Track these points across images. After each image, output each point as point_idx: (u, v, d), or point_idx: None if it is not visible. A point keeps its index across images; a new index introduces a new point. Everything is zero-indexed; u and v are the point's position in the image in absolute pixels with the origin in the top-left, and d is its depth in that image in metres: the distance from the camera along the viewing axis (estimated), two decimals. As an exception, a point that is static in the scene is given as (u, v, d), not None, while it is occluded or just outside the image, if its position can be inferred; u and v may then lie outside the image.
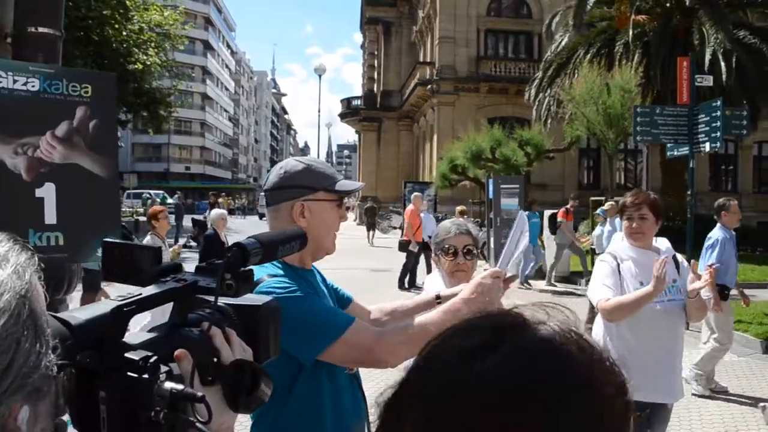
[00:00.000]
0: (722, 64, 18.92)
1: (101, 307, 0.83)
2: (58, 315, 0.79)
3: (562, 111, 18.66)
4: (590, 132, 15.90)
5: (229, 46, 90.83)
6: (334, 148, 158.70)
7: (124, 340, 0.84)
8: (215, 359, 0.89)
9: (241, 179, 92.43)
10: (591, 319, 3.65)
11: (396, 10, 45.11)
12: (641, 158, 29.96)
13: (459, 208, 13.87)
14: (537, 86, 23.24)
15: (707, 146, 9.65)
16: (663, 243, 3.55)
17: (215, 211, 9.66)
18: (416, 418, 0.64)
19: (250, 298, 0.99)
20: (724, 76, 18.89)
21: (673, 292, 3.39)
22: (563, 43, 23.69)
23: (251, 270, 0.96)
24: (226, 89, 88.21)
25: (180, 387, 0.79)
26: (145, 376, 0.78)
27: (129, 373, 0.78)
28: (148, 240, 7.63)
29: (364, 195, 41.88)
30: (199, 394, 0.79)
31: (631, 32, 20.36)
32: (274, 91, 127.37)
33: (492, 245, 15.72)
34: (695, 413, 6.17)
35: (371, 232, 26.71)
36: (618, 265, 3.42)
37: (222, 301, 0.95)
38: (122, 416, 0.79)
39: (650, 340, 3.31)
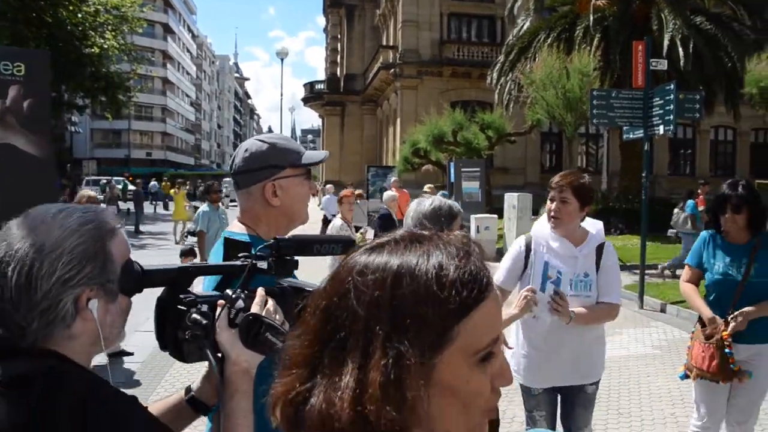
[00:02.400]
0: (680, 49, 19.17)
1: (175, 266, 1.32)
2: (139, 262, 1.26)
3: (523, 95, 18.73)
4: (550, 115, 16.00)
5: (190, 30, 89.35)
6: (298, 133, 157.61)
7: (189, 289, 1.30)
8: (240, 311, 1.26)
9: (205, 165, 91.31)
10: None
11: (360, -7, 44.83)
12: (602, 142, 30.42)
13: (427, 187, 13.85)
14: (499, 70, 23.29)
15: (661, 129, 9.77)
16: (595, 225, 3.35)
17: (387, 194, 10.84)
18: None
19: (308, 284, 1.37)
20: (681, 62, 19.15)
21: (581, 287, 3.22)
22: (525, 28, 23.75)
23: (289, 259, 1.37)
24: (188, 74, 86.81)
25: (199, 318, 1.24)
26: (183, 308, 1.26)
27: (178, 306, 1.26)
28: (336, 224, 7.90)
29: (328, 179, 41.75)
30: (204, 321, 1.23)
31: (591, 17, 20.51)
32: (236, 75, 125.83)
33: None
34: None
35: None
36: (529, 250, 3.28)
37: (288, 282, 1.38)
38: (172, 334, 1.27)
39: (549, 332, 3.21)
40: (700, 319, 3.78)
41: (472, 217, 14.23)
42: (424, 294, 0.75)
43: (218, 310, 1.25)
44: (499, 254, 14.55)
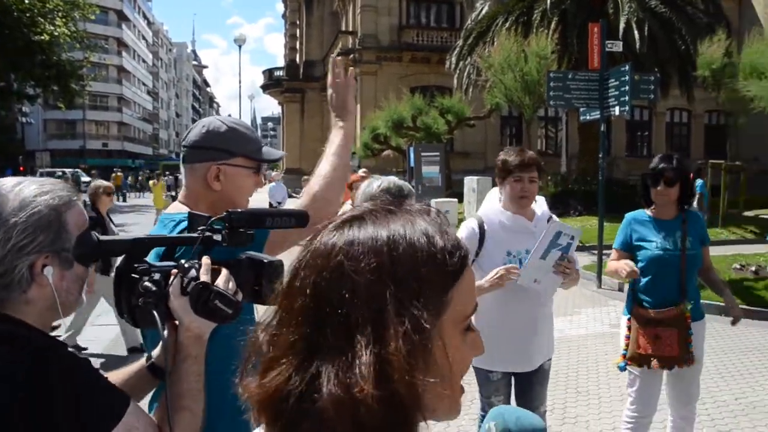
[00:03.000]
0: (635, 32, 19.36)
1: (130, 236, 1.33)
2: (95, 233, 1.29)
3: (481, 79, 18.74)
4: (508, 99, 16.03)
5: (145, 17, 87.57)
6: (259, 121, 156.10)
7: (146, 260, 1.34)
8: (192, 280, 1.28)
9: (163, 155, 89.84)
10: None
11: (318, -22, 44.32)
12: (561, 125, 30.68)
13: (362, 171, 13.76)
14: (458, 54, 23.26)
15: (617, 110, 9.83)
16: (541, 204, 3.35)
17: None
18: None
19: (264, 256, 1.41)
20: (637, 44, 19.35)
21: None
22: (483, 12, 23.77)
23: (242, 231, 1.37)
24: (144, 62, 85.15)
25: (150, 285, 1.26)
26: (137, 276, 1.28)
27: (132, 275, 1.29)
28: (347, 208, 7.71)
29: (289, 167, 41.39)
30: (154, 288, 1.26)
31: (548, 0, 20.58)
32: (194, 63, 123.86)
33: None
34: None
35: None
36: (482, 230, 3.21)
37: (247, 254, 1.40)
38: (127, 301, 1.29)
39: (507, 312, 3.18)
40: (634, 304, 3.66)
41: (432, 201, 14.22)
42: (424, 257, 0.75)
43: (171, 278, 1.29)
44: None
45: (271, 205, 15.92)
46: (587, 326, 8.06)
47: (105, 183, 7.41)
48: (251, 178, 1.89)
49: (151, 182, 26.02)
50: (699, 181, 12.98)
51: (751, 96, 12.26)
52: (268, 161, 1.92)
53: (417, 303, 0.72)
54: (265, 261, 1.39)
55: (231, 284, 1.32)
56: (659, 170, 3.61)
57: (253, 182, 1.91)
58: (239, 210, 1.40)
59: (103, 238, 1.30)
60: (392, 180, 2.89)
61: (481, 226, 3.21)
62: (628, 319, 3.66)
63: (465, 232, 3.23)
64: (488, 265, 3.13)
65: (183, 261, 1.32)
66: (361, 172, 13.79)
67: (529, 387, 3.37)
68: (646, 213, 3.74)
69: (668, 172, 3.59)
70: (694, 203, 12.81)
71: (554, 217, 3.40)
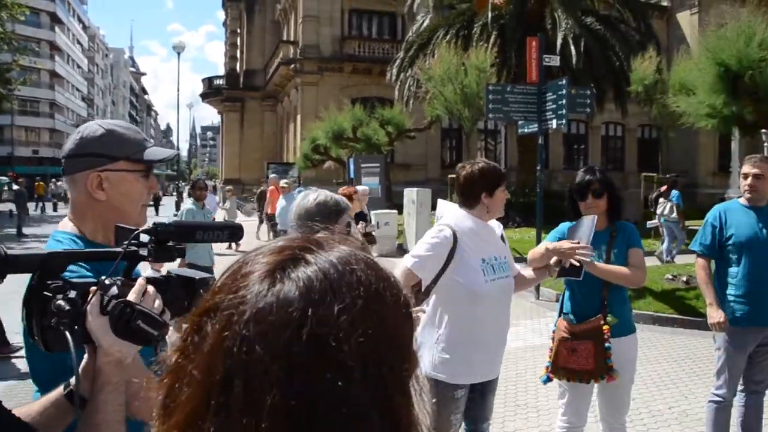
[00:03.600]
0: (572, 47, 19.84)
1: (44, 250, 1.24)
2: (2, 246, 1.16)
3: (422, 91, 18.84)
4: (448, 111, 16.14)
5: (80, 20, 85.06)
6: (198, 130, 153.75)
7: (63, 276, 1.21)
8: (113, 298, 1.16)
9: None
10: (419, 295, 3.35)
11: (259, -14, 43.95)
12: (500, 138, 31.17)
13: (283, 182, 13.74)
14: (398, 66, 23.37)
15: (554, 123, 9.98)
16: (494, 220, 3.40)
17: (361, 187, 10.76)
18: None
19: (195, 273, 1.33)
20: (573, 59, 19.83)
21: (506, 268, 3.25)
22: (425, 24, 23.97)
23: (170, 245, 1.28)
24: (79, 67, 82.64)
25: (63, 304, 1.14)
26: (49, 294, 1.16)
27: (45, 293, 1.17)
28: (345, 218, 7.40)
29: (228, 177, 40.77)
30: (68, 307, 1.14)
31: (488, 15, 20.91)
32: (132, 69, 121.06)
33: (353, 225, 15.65)
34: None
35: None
36: (455, 238, 3.16)
37: (176, 271, 1.32)
38: (38, 322, 1.17)
39: (488, 320, 3.15)
40: (559, 316, 3.66)
41: (372, 212, 14.15)
42: (401, 307, 0.68)
43: (90, 296, 1.18)
44: (400, 249, 14.55)
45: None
46: (525, 338, 8.09)
47: None
48: (140, 183, 1.72)
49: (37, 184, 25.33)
50: (674, 192, 13.37)
51: (680, 111, 12.63)
52: (153, 162, 1.73)
53: (407, 363, 0.66)
54: (197, 278, 1.31)
55: (157, 303, 1.22)
56: (586, 182, 3.60)
57: (144, 187, 1.74)
58: (167, 222, 1.29)
59: (11, 252, 1.18)
60: (328, 194, 2.80)
61: (454, 234, 3.16)
62: (554, 332, 3.66)
63: (438, 239, 3.16)
64: (465, 271, 3.10)
65: (104, 277, 1.21)
66: (282, 182, 13.69)
67: (484, 397, 3.33)
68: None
69: (594, 184, 3.59)
70: (673, 214, 13.11)
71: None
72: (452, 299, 3.15)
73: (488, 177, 3.19)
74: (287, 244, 0.68)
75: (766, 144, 25.28)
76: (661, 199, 13.51)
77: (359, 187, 11.04)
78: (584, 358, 3.46)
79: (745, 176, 3.97)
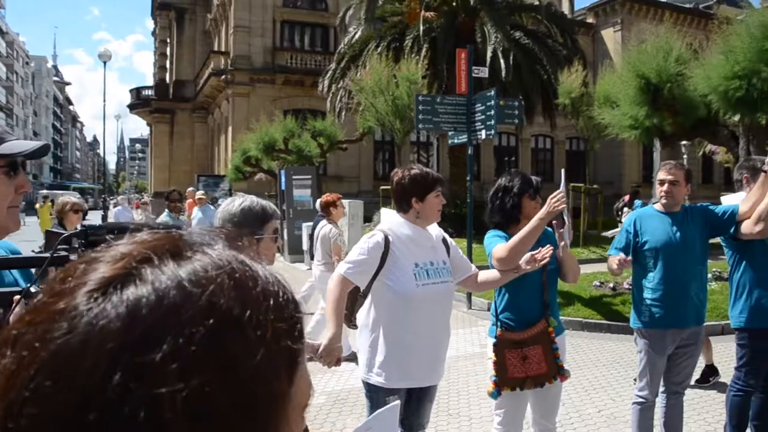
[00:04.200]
0: (501, 60, 20.22)
1: None
2: None
3: (353, 102, 18.85)
4: (380, 123, 16.18)
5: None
6: (127, 143, 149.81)
7: None
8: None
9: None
10: (353, 309, 3.31)
11: (190, -4, 43.27)
12: (433, 150, 31.45)
13: (199, 194, 13.44)
14: (330, 78, 23.32)
15: (483, 134, 10.10)
16: (433, 225, 3.36)
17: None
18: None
19: None
20: (503, 72, 20.21)
21: (444, 273, 3.23)
22: (357, 36, 24.01)
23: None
24: (-3, 75, 79.56)
25: None
26: None
27: None
28: (327, 230, 7.49)
29: (158, 190, 39.76)
30: None
31: (420, 27, 21.12)
32: (56, 79, 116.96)
33: (286, 237, 15.48)
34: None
35: None
36: (387, 243, 3.15)
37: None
38: None
39: (422, 325, 3.13)
40: (497, 327, 3.56)
41: (303, 224, 14.01)
42: (279, 339, 0.50)
43: (13, 305, 1.16)
44: (333, 261, 14.42)
45: None
46: (457, 347, 8.09)
47: (73, 199, 6.51)
48: (3, 182, 1.55)
49: (37, 205, 25.24)
50: (637, 202, 13.92)
51: (605, 123, 13.02)
52: (13, 156, 1.55)
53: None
54: None
55: None
56: (529, 182, 3.63)
57: (8, 186, 1.56)
58: (98, 225, 1.24)
59: None
60: (255, 199, 2.70)
61: (386, 239, 3.16)
62: (495, 345, 3.54)
63: (370, 244, 3.15)
64: (396, 276, 3.10)
65: (29, 285, 1.18)
66: (198, 194, 13.40)
67: (420, 404, 3.29)
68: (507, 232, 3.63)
69: (536, 184, 3.68)
70: None
71: (447, 236, 3.49)
72: (384, 303, 3.15)
73: (419, 182, 3.19)
74: (130, 250, 0.50)
75: (685, 155, 26.36)
76: (625, 209, 14.17)
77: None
78: (536, 363, 3.47)
79: (661, 182, 4.07)
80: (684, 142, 25.74)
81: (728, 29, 10.22)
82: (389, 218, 3.29)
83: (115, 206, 16.73)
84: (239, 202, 2.62)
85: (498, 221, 3.66)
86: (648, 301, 4.03)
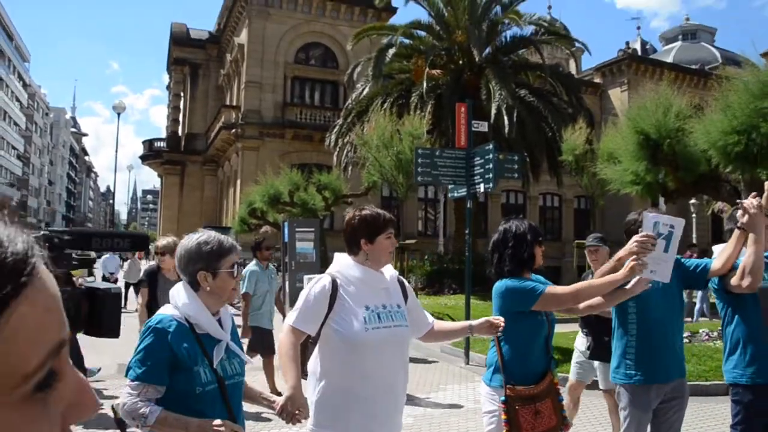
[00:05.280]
0: (505, 117, 20.40)
1: None
2: None
3: (358, 156, 18.99)
4: (384, 177, 16.25)
5: (21, 78, 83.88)
6: (139, 193, 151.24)
7: None
8: None
9: (31, 224, 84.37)
10: (303, 357, 3.17)
11: (204, 52, 44.19)
12: (440, 207, 31.53)
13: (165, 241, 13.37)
14: (337, 132, 23.62)
15: (482, 187, 10.09)
16: (389, 267, 3.22)
17: None
18: None
19: (105, 284, 1.32)
20: (507, 129, 20.37)
21: (398, 317, 3.04)
22: (364, 93, 24.41)
23: (69, 253, 1.27)
24: (16, 124, 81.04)
25: None
26: None
27: None
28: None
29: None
30: None
31: (425, 85, 21.44)
32: (73, 130, 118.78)
33: (287, 289, 15.34)
34: None
35: None
36: (335, 287, 2.99)
37: (87, 284, 1.31)
38: None
39: (375, 372, 2.94)
40: (506, 383, 3.43)
41: (305, 276, 13.92)
42: None
43: None
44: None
45: (104, 276, 16.53)
46: (452, 403, 7.92)
47: (163, 242, 6.42)
48: None
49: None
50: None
51: (607, 179, 12.98)
52: None
53: None
54: (100, 289, 1.30)
55: None
56: (535, 230, 3.66)
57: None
58: (60, 229, 1.28)
59: None
60: (212, 234, 2.66)
61: (333, 283, 2.99)
62: (504, 402, 3.40)
63: (315, 290, 2.98)
64: (343, 319, 2.92)
65: None
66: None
67: None
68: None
69: (539, 231, 3.73)
70: None
71: (404, 280, 3.32)
72: (331, 349, 2.97)
73: (369, 223, 3.05)
74: None
75: (693, 214, 26.21)
76: None
77: None
78: (548, 417, 3.39)
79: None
80: (692, 201, 25.70)
81: (727, 86, 10.25)
82: (339, 261, 3.15)
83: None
84: (196, 237, 2.59)
85: (511, 270, 3.59)
86: (630, 355, 3.93)
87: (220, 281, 2.52)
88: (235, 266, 2.58)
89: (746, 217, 3.74)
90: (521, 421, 3.34)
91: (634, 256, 3.29)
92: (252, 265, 8.44)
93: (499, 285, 3.60)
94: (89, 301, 1.29)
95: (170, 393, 2.39)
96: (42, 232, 1.25)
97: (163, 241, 6.33)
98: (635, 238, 3.34)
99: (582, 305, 3.63)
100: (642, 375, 3.89)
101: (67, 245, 1.28)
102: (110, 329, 1.41)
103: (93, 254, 1.34)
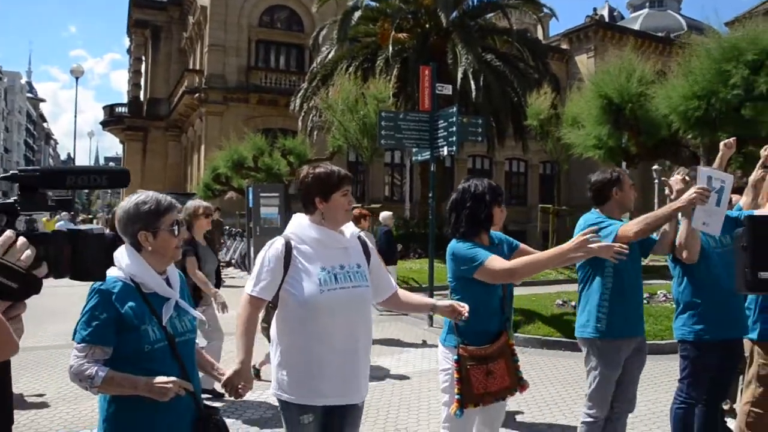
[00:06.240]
0: (471, 82, 20.35)
1: None
2: None
3: (323, 121, 18.84)
4: (349, 141, 16.15)
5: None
6: (101, 161, 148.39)
7: None
8: None
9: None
10: (267, 317, 3.12)
11: (166, 14, 43.09)
12: (406, 172, 31.55)
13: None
14: (302, 97, 23.36)
15: (445, 150, 10.08)
16: (349, 225, 3.15)
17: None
18: None
19: (89, 228, 1.31)
20: (473, 93, 20.33)
21: (358, 277, 2.98)
22: (329, 56, 24.10)
23: (41, 193, 1.24)
24: (-32, 91, 78.55)
25: None
26: None
27: None
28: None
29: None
30: None
31: (391, 48, 21.24)
32: (29, 95, 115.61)
33: (252, 254, 15.30)
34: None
35: None
36: (288, 249, 2.92)
37: (69, 227, 1.31)
38: None
39: (334, 335, 2.89)
40: (459, 344, 3.41)
41: (269, 242, 13.90)
42: None
43: None
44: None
45: None
46: (414, 364, 7.98)
47: (205, 204, 6.39)
48: None
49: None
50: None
51: (570, 143, 13.10)
52: None
53: None
54: (81, 231, 1.28)
55: (25, 255, 1.16)
56: (496, 190, 3.56)
57: None
58: (31, 168, 1.25)
59: None
60: (150, 194, 2.59)
61: (287, 245, 2.92)
62: (456, 361, 3.39)
63: (270, 254, 2.91)
64: (298, 282, 2.86)
65: None
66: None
67: (342, 429, 2.99)
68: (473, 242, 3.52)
69: (500, 190, 3.62)
70: None
71: (368, 241, 3.24)
72: (289, 313, 2.91)
73: (323, 181, 2.96)
74: None
75: (656, 180, 26.58)
76: None
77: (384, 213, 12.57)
78: (500, 377, 3.37)
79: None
80: (655, 167, 26.08)
81: (690, 52, 10.36)
82: (294, 221, 3.08)
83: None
84: (135, 197, 2.54)
85: (465, 231, 3.52)
86: (604, 308, 3.91)
87: (161, 240, 2.48)
88: (176, 225, 2.53)
89: (674, 194, 3.95)
90: (473, 381, 3.34)
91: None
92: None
93: (450, 247, 3.55)
94: (71, 245, 1.24)
95: (119, 353, 2.35)
96: (11, 172, 1.24)
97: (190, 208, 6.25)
98: (694, 188, 3.54)
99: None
100: (615, 328, 3.91)
101: (39, 185, 1.24)
102: (96, 272, 1.36)
103: (69, 194, 1.30)
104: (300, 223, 3.02)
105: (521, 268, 3.33)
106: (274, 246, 2.94)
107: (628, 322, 3.94)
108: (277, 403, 3.03)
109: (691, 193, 3.55)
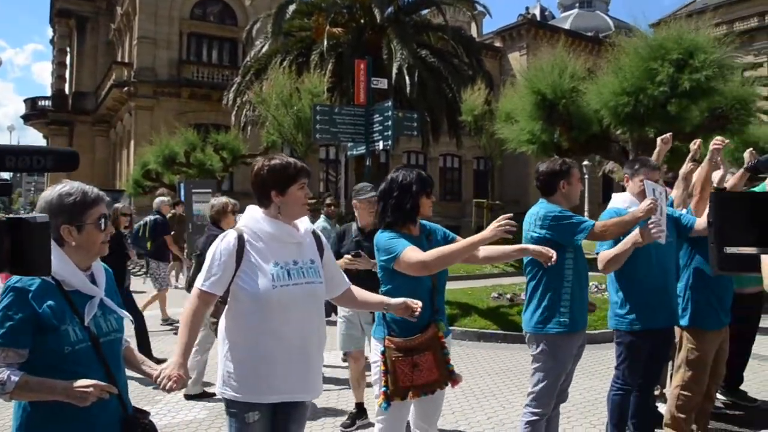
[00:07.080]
0: (406, 77, 20.40)
1: None
2: None
3: (256, 115, 18.55)
4: (283, 136, 15.94)
5: None
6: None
7: None
8: None
9: None
10: (216, 312, 3.01)
11: (92, 3, 41.59)
12: (341, 168, 31.43)
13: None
14: (235, 91, 22.97)
15: (381, 144, 10.05)
16: (304, 219, 3.05)
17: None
18: None
19: (32, 216, 1.20)
20: (408, 89, 20.38)
21: (311, 273, 2.91)
22: (263, 50, 23.77)
23: None
24: None
25: None
26: None
27: None
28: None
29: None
30: None
31: (326, 43, 21.09)
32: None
33: (186, 251, 14.91)
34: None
35: None
36: (241, 243, 2.84)
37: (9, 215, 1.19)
38: None
39: (285, 331, 2.80)
40: (386, 335, 3.33)
41: (201, 239, 13.56)
42: None
43: None
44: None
45: None
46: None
47: (232, 201, 6.30)
48: None
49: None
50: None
51: (504, 138, 13.27)
52: None
53: None
54: (23, 219, 1.17)
55: None
56: (424, 180, 3.43)
57: None
58: None
59: None
60: (75, 185, 2.42)
61: (240, 239, 2.82)
62: (383, 353, 3.31)
63: (222, 248, 2.81)
64: (250, 277, 2.77)
65: None
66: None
67: (287, 427, 2.92)
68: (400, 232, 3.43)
69: (431, 181, 3.52)
70: None
71: (321, 236, 3.18)
72: (240, 308, 2.82)
73: (279, 173, 2.86)
74: None
75: (586, 175, 27.27)
76: None
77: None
78: (427, 370, 3.27)
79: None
80: (585, 162, 26.74)
81: (619, 50, 10.64)
82: (248, 214, 2.98)
83: None
84: (58, 188, 2.36)
85: (391, 221, 3.42)
86: (565, 302, 3.84)
87: (86, 235, 2.32)
88: (103, 219, 2.36)
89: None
90: (398, 373, 3.26)
91: (650, 219, 3.72)
92: (322, 221, 8.49)
93: (376, 238, 3.46)
94: (11, 235, 1.14)
95: (38, 355, 2.17)
96: None
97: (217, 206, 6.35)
98: (646, 202, 3.67)
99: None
100: (577, 322, 3.87)
101: None
102: (39, 265, 1.25)
103: (7, 177, 1.17)
104: (253, 217, 2.92)
105: (432, 261, 3.23)
106: (226, 239, 2.83)
107: (583, 314, 3.95)
108: (211, 404, 2.91)
109: (647, 203, 3.67)
